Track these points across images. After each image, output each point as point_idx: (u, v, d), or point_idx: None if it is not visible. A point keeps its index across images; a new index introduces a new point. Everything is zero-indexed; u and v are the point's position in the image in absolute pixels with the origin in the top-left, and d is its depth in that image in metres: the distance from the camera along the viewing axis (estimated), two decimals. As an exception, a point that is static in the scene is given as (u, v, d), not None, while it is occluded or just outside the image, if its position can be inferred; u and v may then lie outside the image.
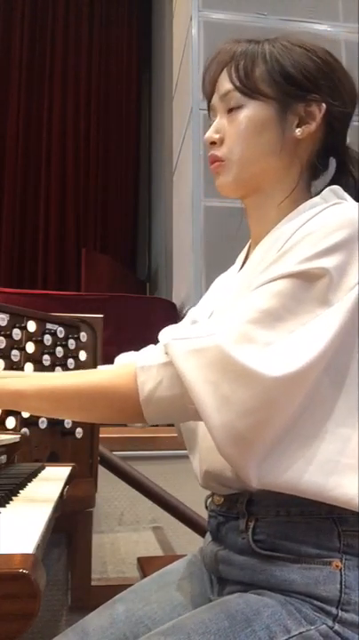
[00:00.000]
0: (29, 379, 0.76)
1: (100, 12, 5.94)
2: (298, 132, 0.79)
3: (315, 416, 0.67)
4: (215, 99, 0.84)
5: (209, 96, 0.85)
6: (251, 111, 0.79)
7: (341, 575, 0.67)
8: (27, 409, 0.76)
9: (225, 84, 0.81)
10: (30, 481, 0.91)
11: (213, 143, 0.83)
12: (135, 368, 0.69)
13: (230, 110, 0.81)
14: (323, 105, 0.79)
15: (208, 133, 0.83)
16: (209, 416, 0.64)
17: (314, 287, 0.65)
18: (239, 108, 0.80)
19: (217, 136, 0.82)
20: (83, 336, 1.46)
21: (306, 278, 0.66)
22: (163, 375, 0.67)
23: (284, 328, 0.65)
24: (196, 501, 1.62)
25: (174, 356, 0.66)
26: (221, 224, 3.00)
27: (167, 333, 0.71)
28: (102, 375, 0.74)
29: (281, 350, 0.64)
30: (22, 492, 0.79)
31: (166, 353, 0.69)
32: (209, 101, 0.86)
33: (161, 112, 5.23)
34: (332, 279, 0.65)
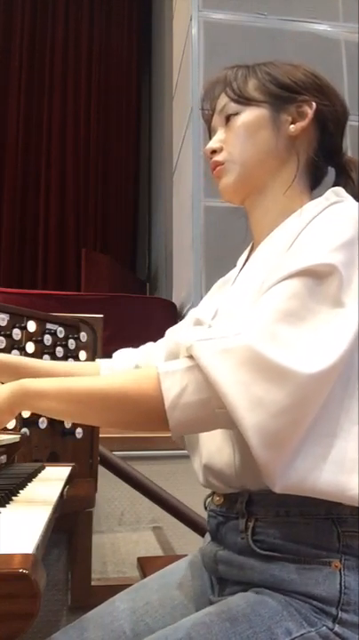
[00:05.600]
0: (51, 380, 0.74)
1: (100, 12, 5.94)
2: (292, 128, 0.84)
3: (331, 414, 0.67)
4: (215, 118, 0.89)
5: (209, 119, 0.91)
6: (246, 116, 0.85)
7: (341, 576, 0.67)
8: (46, 410, 0.72)
9: (222, 100, 0.87)
10: (30, 481, 0.91)
11: (214, 152, 0.88)
12: (158, 373, 0.66)
13: (228, 120, 0.87)
14: (313, 104, 0.84)
15: (208, 144, 0.88)
16: (242, 418, 0.61)
17: (325, 284, 0.66)
18: (236, 115, 0.86)
19: (217, 145, 0.88)
20: (83, 336, 1.46)
21: (316, 275, 0.66)
22: (189, 379, 0.65)
23: (307, 327, 0.65)
24: (196, 501, 1.62)
25: (202, 358, 0.64)
26: (221, 224, 3.00)
27: (186, 335, 0.69)
28: (126, 377, 0.72)
29: (309, 348, 0.63)
30: (22, 493, 0.79)
31: (189, 356, 0.66)
32: (209, 124, 0.91)
33: (161, 112, 5.23)
34: (342, 277, 0.66)
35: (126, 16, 6.05)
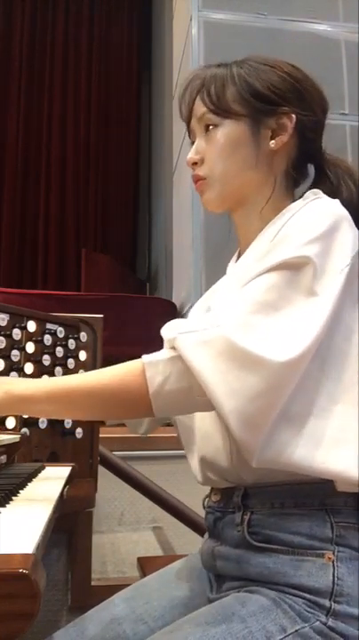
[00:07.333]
0: (37, 382, 0.75)
1: (100, 12, 5.94)
2: (272, 143, 0.84)
3: (307, 394, 0.70)
4: (193, 122, 0.89)
5: (187, 120, 0.90)
6: (226, 130, 0.84)
7: (334, 567, 0.69)
8: (36, 413, 0.76)
9: (200, 107, 0.86)
10: (30, 481, 0.91)
11: (195, 164, 0.88)
12: (142, 364, 0.70)
13: (207, 131, 0.86)
14: (293, 116, 0.83)
15: (189, 155, 0.88)
16: (221, 403, 0.65)
17: (300, 275, 0.69)
18: (215, 127, 0.85)
19: (197, 157, 0.87)
20: (83, 336, 1.46)
21: (292, 267, 0.69)
22: (171, 369, 0.69)
23: (281, 317, 0.68)
24: (196, 501, 1.62)
25: (183, 350, 0.68)
26: (221, 224, 2.99)
27: (169, 328, 0.72)
28: (111, 373, 0.74)
29: (282, 337, 0.67)
30: (22, 492, 0.79)
31: (172, 347, 0.70)
32: (188, 125, 0.91)
33: (161, 112, 5.23)
34: (316, 267, 0.69)
35: (126, 16, 6.05)
